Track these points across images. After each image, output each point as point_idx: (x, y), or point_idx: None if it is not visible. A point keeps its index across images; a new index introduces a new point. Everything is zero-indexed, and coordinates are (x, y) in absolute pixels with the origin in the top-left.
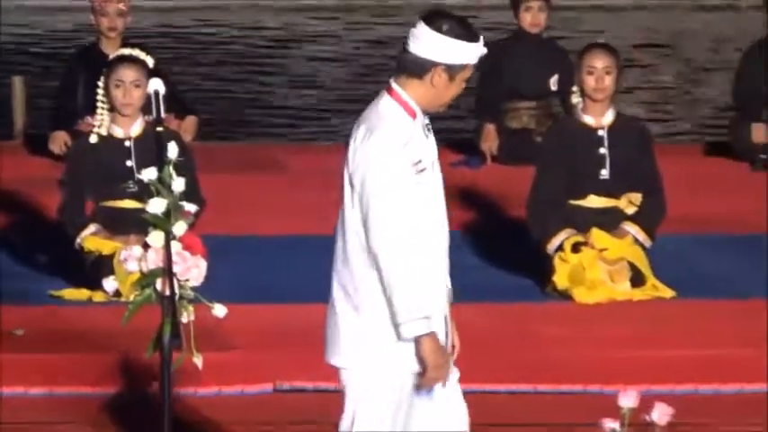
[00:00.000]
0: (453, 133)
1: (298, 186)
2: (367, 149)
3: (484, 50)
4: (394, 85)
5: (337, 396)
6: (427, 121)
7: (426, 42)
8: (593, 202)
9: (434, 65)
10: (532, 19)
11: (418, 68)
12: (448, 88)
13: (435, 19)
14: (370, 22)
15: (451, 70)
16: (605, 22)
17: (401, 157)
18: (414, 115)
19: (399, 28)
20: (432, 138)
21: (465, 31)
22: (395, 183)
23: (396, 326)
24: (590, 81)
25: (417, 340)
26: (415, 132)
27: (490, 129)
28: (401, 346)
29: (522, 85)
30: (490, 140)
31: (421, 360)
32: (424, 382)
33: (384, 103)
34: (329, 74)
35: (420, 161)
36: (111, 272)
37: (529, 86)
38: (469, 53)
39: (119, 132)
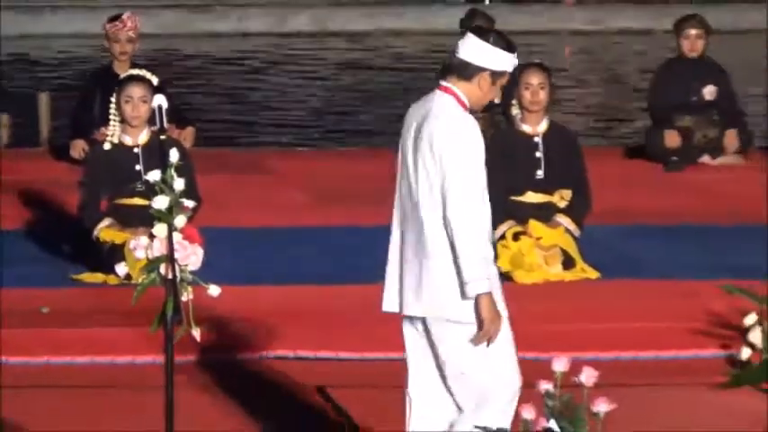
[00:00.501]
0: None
1: (281, 185)
2: (446, 131)
3: (516, 62)
4: (448, 85)
5: (313, 362)
6: None
7: (476, 51)
8: (531, 198)
9: (482, 70)
10: None
11: (468, 72)
12: (490, 91)
13: (483, 32)
14: (341, 48)
15: (494, 76)
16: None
17: (475, 139)
18: (466, 109)
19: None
20: None
21: (507, 44)
22: (472, 161)
23: (461, 284)
24: (527, 95)
25: (477, 298)
26: None
27: None
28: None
29: None
30: None
31: (479, 316)
32: (481, 336)
33: (443, 99)
34: (308, 91)
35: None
36: (122, 258)
37: None
38: (509, 62)
39: (128, 140)
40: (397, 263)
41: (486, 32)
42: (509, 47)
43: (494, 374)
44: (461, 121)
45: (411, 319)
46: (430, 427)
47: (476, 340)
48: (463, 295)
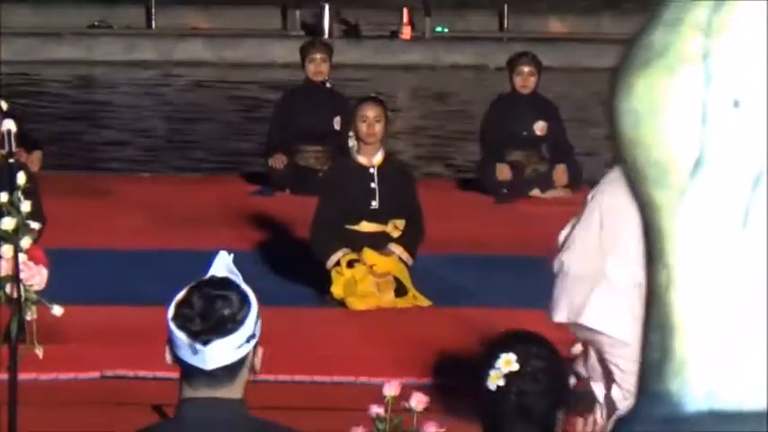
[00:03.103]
0: (248, 165)
1: (122, 209)
2: None
3: None
4: None
5: (151, 382)
6: None
7: None
8: (365, 227)
9: None
10: (315, 68)
11: None
12: None
13: None
14: (185, 77)
15: None
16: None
17: None
18: None
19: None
20: None
21: None
22: None
23: None
24: (363, 128)
25: None
26: None
27: (277, 154)
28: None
29: (309, 129)
30: (278, 159)
31: None
32: None
33: None
34: (151, 118)
35: None
36: None
37: (314, 131)
38: None
39: None
40: (569, 278)
41: None
42: None
43: None
44: None
45: (585, 329)
46: None
47: None
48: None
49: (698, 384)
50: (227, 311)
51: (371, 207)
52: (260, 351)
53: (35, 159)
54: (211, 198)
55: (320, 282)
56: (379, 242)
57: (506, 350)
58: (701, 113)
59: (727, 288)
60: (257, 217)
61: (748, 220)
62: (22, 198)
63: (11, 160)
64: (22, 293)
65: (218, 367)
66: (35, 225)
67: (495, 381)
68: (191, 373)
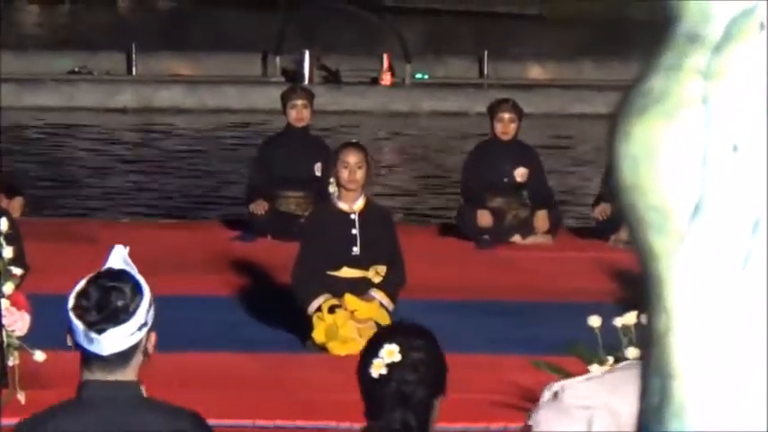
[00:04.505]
0: (229, 211)
1: (104, 254)
2: None
3: None
4: None
5: None
6: None
7: None
8: (346, 273)
9: None
10: (297, 115)
11: None
12: None
13: None
14: (165, 123)
15: None
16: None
17: None
18: None
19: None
20: None
21: None
22: None
23: None
24: (344, 174)
25: None
26: None
27: (258, 199)
28: None
29: (290, 175)
30: (259, 205)
31: None
32: None
33: None
34: (131, 163)
35: None
36: None
37: (295, 177)
38: None
39: None
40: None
41: None
42: None
43: None
44: None
45: None
46: None
47: None
48: None
49: (697, 428)
50: (120, 303)
51: (353, 253)
52: (153, 336)
53: (17, 205)
54: (193, 244)
55: (301, 327)
56: (360, 288)
57: (390, 341)
58: (700, 158)
59: (726, 333)
60: (238, 263)
61: (747, 265)
62: (3, 244)
63: None
64: (5, 339)
65: (112, 353)
66: (17, 271)
67: (378, 369)
68: (88, 359)
